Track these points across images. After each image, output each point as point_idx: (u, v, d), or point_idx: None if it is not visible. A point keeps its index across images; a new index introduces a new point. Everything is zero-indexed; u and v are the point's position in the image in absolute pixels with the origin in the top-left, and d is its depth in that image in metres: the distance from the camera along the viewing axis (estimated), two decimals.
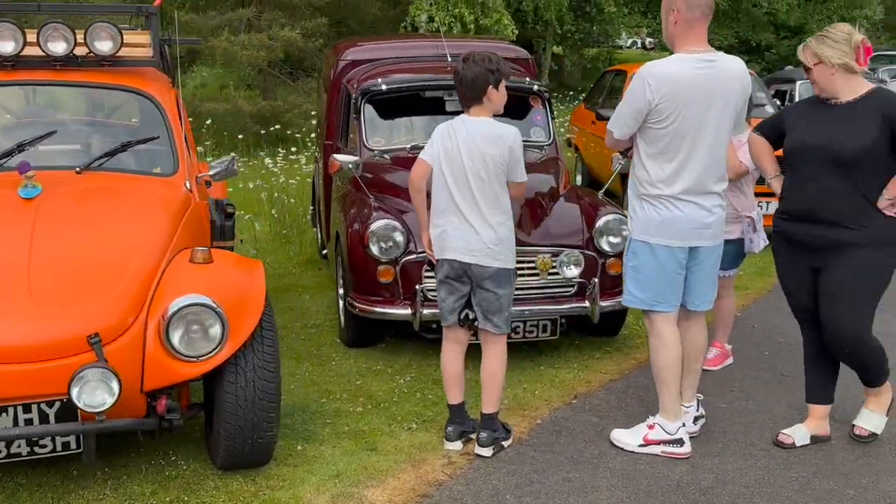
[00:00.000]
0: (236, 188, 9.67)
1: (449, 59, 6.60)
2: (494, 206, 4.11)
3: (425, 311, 5.14)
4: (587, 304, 5.35)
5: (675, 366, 4.19)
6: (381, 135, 6.41)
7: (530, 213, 5.44)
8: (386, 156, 6.21)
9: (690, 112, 3.92)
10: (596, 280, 5.34)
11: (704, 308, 4.29)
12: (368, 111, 6.43)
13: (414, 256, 5.23)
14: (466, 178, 4.07)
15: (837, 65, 3.89)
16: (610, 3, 22.92)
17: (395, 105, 6.52)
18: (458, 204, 4.10)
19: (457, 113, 6.42)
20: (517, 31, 16.91)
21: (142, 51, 4.79)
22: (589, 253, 5.39)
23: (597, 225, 5.41)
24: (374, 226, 5.27)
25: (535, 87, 6.51)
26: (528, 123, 6.52)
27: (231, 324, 3.66)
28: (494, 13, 16.08)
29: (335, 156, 5.80)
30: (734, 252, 5.06)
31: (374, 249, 5.25)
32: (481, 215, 4.09)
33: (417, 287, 5.17)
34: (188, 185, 4.49)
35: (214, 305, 3.61)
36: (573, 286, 5.37)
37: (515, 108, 6.13)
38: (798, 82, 13.61)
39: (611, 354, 5.68)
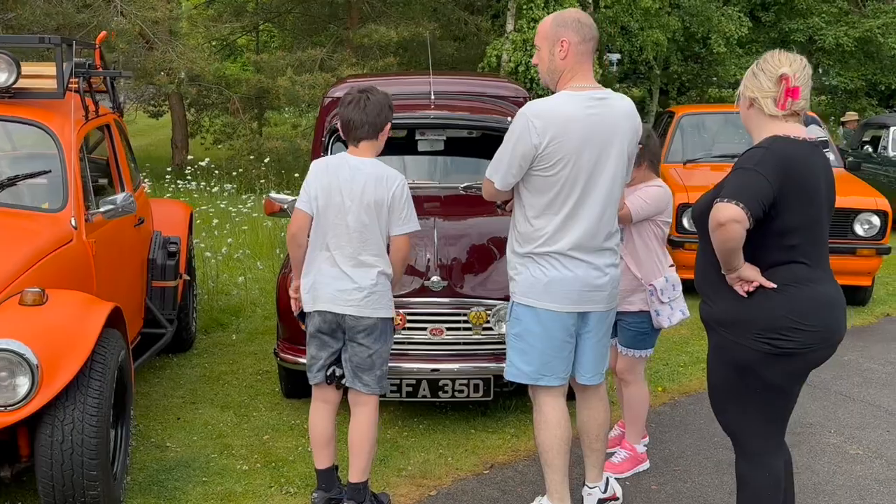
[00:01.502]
0: (260, 226, 9.63)
1: (432, 96, 6.30)
2: (374, 253, 3.76)
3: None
4: None
5: (560, 448, 3.68)
6: None
7: (469, 262, 5.05)
8: None
9: (583, 158, 3.46)
10: None
11: (594, 382, 3.78)
12: (338, 149, 6.19)
13: None
14: (346, 222, 3.73)
15: (750, 98, 3.27)
16: (719, 43, 22.04)
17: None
18: (331, 249, 3.77)
19: (429, 153, 6.33)
20: (602, 74, 16.37)
21: (46, 82, 4.69)
22: None
23: None
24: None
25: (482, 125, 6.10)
26: None
27: (46, 372, 3.43)
28: None
29: (271, 195, 5.56)
30: (638, 328, 4.31)
31: None
32: (358, 262, 3.74)
33: None
34: (74, 222, 4.33)
35: (23, 351, 3.39)
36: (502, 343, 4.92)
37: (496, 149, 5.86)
38: (892, 128, 12.60)
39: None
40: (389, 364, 4.75)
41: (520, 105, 6.85)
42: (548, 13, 15.51)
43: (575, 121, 3.43)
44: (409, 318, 4.82)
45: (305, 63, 14.39)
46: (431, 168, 6.30)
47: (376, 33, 14.14)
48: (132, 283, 5.22)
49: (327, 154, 6.18)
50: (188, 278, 5.95)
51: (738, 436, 3.29)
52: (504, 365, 4.78)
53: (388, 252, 3.83)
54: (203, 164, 11.26)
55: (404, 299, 4.82)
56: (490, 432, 4.93)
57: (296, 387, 5.40)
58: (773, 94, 3.10)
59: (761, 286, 3.04)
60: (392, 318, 3.89)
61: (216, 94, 15.53)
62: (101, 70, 5.44)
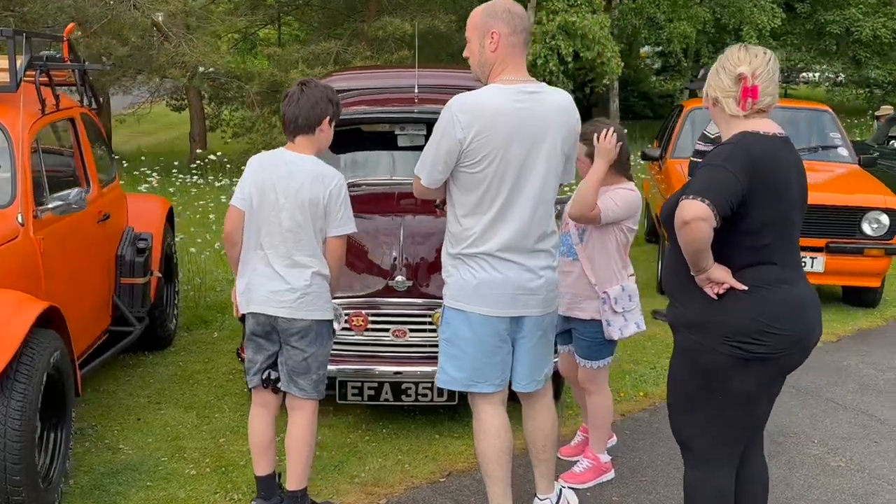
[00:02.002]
0: None
1: (416, 90, 6.14)
2: (308, 253, 3.62)
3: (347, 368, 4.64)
4: None
5: (499, 458, 3.51)
6: None
7: (436, 261, 4.85)
8: None
9: (511, 153, 3.29)
10: None
11: (529, 389, 3.61)
12: None
13: None
14: (279, 220, 3.60)
15: (712, 98, 3.06)
16: (751, 35, 21.60)
17: (349, 139, 6.14)
18: (265, 249, 3.64)
19: (408, 148, 6.16)
20: (623, 65, 16.10)
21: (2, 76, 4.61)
22: None
23: None
24: None
25: None
26: None
27: None
28: (597, 45, 15.37)
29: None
30: (591, 338, 4.11)
31: None
32: (291, 262, 3.61)
33: None
34: (21, 218, 4.24)
35: None
36: None
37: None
38: None
39: None
40: (351, 367, 4.66)
41: None
42: (567, 5, 15.36)
43: (502, 114, 3.26)
44: (371, 319, 4.68)
45: (320, 56, 14.29)
46: (411, 164, 6.13)
47: (391, 25, 14.00)
48: (95, 281, 5.14)
49: None
50: (159, 275, 5.85)
51: (692, 443, 3.13)
52: None
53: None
54: (214, 157, 11.19)
55: (367, 300, 4.69)
56: (455, 437, 4.78)
57: None
58: (735, 94, 2.94)
59: (731, 288, 2.90)
60: (330, 321, 3.75)
61: (236, 87, 15.50)
62: (67, 63, 5.36)
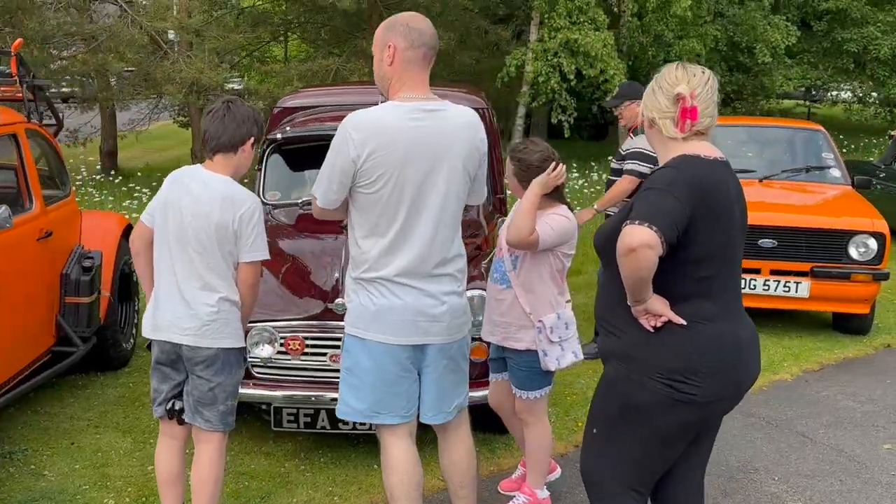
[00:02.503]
0: None
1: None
2: (217, 278, 3.47)
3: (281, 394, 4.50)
4: None
5: (407, 493, 3.34)
6: (280, 187, 5.92)
7: None
8: (277, 211, 5.74)
9: (408, 173, 3.15)
10: None
11: (438, 421, 3.44)
12: (272, 162, 5.98)
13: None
14: (187, 241, 3.46)
15: (649, 119, 2.88)
16: (765, 53, 21.30)
17: (303, 156, 6.01)
18: (175, 272, 3.50)
19: None
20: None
21: None
22: None
23: None
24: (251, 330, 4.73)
25: None
26: None
27: None
28: (599, 63, 15.18)
29: None
30: (528, 368, 3.90)
31: (256, 352, 4.67)
32: (198, 286, 3.47)
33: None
34: None
35: None
36: None
37: None
38: None
39: (496, 452, 4.81)
40: (286, 392, 4.49)
41: (483, 119, 6.53)
42: (569, 22, 15.19)
43: (397, 133, 3.13)
44: (307, 343, 4.52)
45: (318, 73, 14.21)
46: None
47: None
48: (32, 299, 5.01)
49: (263, 166, 5.95)
50: (107, 294, 5.72)
51: (601, 479, 2.97)
52: None
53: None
54: None
55: (305, 322, 4.54)
56: None
57: None
58: (672, 115, 2.79)
59: (669, 321, 2.74)
60: (240, 349, 3.59)
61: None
62: (13, 78, 5.28)
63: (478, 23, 16.20)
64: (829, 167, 8.46)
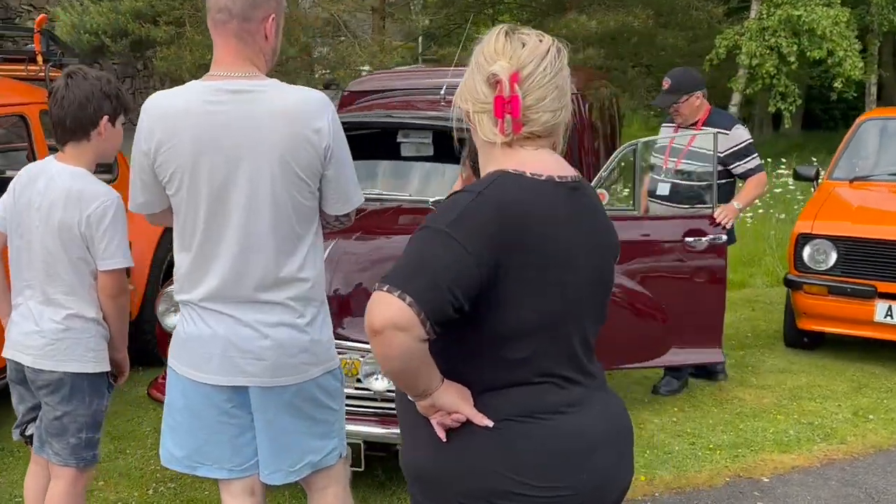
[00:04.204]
0: None
1: (442, 91, 5.43)
2: (64, 290, 3.08)
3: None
4: (397, 429, 3.90)
5: None
6: None
7: (358, 294, 4.15)
8: None
9: (201, 172, 2.55)
10: None
11: (276, 482, 2.80)
12: None
13: None
14: (30, 246, 3.10)
15: (465, 112, 2.02)
16: None
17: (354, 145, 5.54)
18: (26, 281, 3.14)
19: (413, 158, 5.41)
20: (863, 68, 14.02)
21: None
22: None
23: None
24: (163, 295, 4.40)
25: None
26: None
27: None
28: (827, 43, 13.51)
29: None
30: None
31: (167, 322, 4.36)
32: (46, 300, 3.10)
33: None
34: None
35: None
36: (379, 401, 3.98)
37: (443, 152, 5.08)
38: None
39: None
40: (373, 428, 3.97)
41: None
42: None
43: (187, 119, 2.54)
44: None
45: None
46: (409, 177, 5.40)
47: (575, 23, 13.07)
48: None
49: None
50: None
51: None
52: (381, 429, 3.95)
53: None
54: None
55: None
56: None
57: None
58: (490, 107, 1.94)
59: (469, 422, 1.92)
60: (99, 374, 3.16)
61: None
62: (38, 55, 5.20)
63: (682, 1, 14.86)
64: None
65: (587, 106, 5.88)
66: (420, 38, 17.49)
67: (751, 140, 5.56)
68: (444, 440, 1.93)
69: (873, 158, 7.42)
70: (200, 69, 14.01)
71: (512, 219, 1.85)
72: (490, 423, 1.89)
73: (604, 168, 5.23)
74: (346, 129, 5.47)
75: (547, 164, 1.95)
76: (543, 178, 1.91)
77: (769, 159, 14.49)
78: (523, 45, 1.92)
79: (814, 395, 5.65)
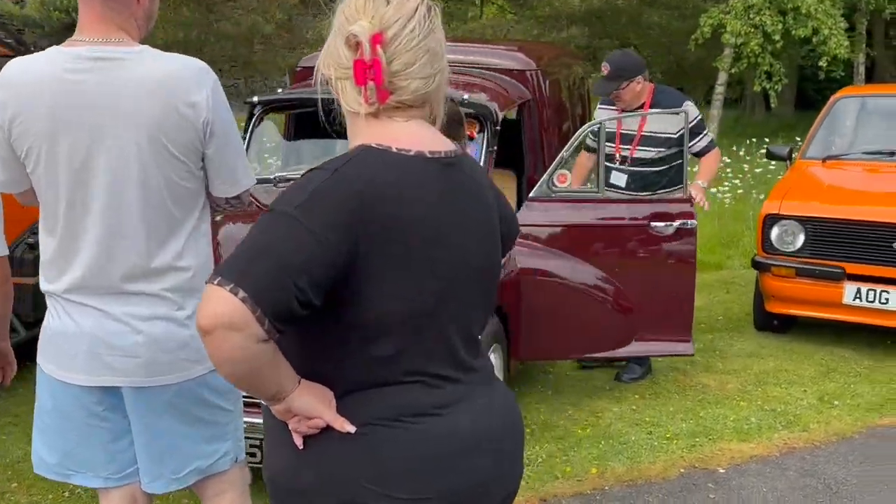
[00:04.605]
0: None
1: None
2: None
3: None
4: None
5: None
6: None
7: None
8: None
9: (60, 148, 2.33)
10: None
11: (159, 490, 2.60)
12: (259, 131, 5.33)
13: None
14: None
15: (326, 78, 1.78)
16: None
17: (299, 124, 5.41)
18: None
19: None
20: (849, 47, 13.81)
21: None
22: None
23: None
24: None
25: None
26: None
27: None
28: (813, 21, 13.30)
29: None
30: None
31: None
32: None
33: None
34: None
35: None
36: None
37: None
38: None
39: None
40: None
41: (525, 81, 5.60)
42: None
43: (43, 89, 2.31)
44: None
45: (475, 31, 13.48)
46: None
47: (558, 1, 12.87)
48: None
49: (248, 134, 5.33)
50: None
51: None
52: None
53: None
54: None
55: None
56: None
57: None
58: (353, 73, 1.71)
59: (330, 427, 1.72)
60: None
61: None
62: None
63: None
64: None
65: (548, 82, 5.68)
66: None
67: (700, 116, 5.39)
68: (302, 448, 1.74)
69: (849, 137, 7.25)
70: (173, 47, 13.89)
71: (372, 199, 1.64)
72: (352, 429, 1.70)
73: (565, 148, 5.05)
74: (296, 107, 5.37)
75: (417, 137, 1.74)
76: (412, 153, 1.71)
77: (757, 139, 14.35)
78: (387, 3, 1.72)
79: (780, 381, 5.51)
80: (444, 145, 1.79)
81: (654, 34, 14.22)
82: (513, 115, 5.51)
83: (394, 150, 1.70)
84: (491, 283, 1.90)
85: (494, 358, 4.46)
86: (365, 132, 1.73)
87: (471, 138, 4.98)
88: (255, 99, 5.17)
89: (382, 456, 1.71)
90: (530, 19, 13.97)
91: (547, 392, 5.28)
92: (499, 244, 1.93)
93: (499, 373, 4.53)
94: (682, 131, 5.02)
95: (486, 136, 4.93)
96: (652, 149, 5.22)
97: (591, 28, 13.05)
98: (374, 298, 1.67)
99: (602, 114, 5.53)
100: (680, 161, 5.09)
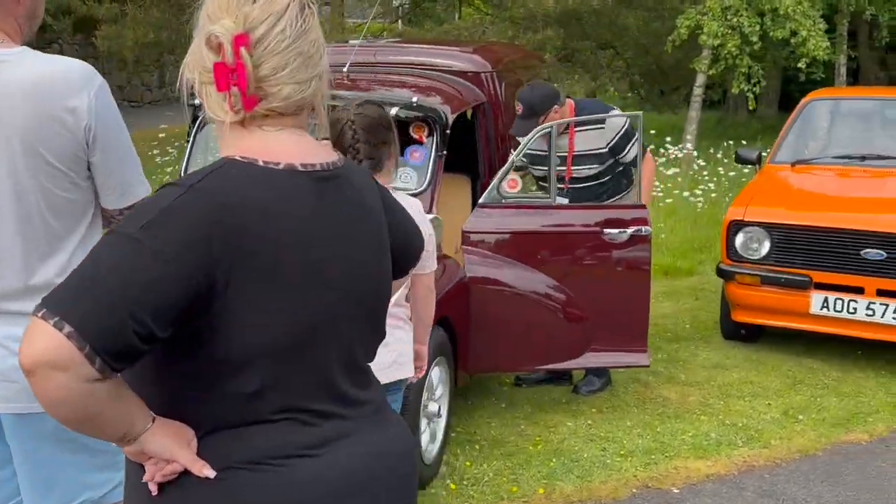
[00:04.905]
0: None
1: (345, 69, 5.03)
2: None
3: None
4: None
5: None
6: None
7: None
8: None
9: None
10: None
11: None
12: (202, 135, 5.11)
13: None
14: None
15: (190, 84, 1.58)
16: None
17: None
18: None
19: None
20: (829, 48, 13.64)
21: None
22: None
23: None
24: None
25: (397, 111, 4.56)
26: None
27: None
28: (792, 22, 13.13)
29: None
30: None
31: None
32: None
33: None
34: None
35: None
36: None
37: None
38: None
39: None
40: None
41: (480, 84, 5.40)
42: None
43: None
44: None
45: (450, 32, 13.29)
46: None
47: (532, 2, 12.69)
48: None
49: (191, 140, 5.12)
50: None
51: None
52: None
53: None
54: None
55: None
56: None
57: None
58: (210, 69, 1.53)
59: (187, 472, 1.53)
60: None
61: None
62: None
63: None
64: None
65: (504, 85, 5.48)
66: (400, 21, 17.14)
67: (628, 121, 5.10)
68: (155, 494, 1.54)
69: (820, 141, 7.08)
70: (143, 48, 13.65)
71: (232, 218, 1.44)
72: (211, 473, 1.50)
73: (515, 153, 4.86)
74: None
75: (289, 148, 1.55)
76: (280, 166, 1.52)
77: (737, 142, 14.18)
78: (254, 1, 1.53)
79: (743, 393, 5.32)
80: (320, 157, 1.60)
81: (631, 35, 14.02)
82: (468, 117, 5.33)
83: (260, 163, 1.52)
84: (379, 305, 1.71)
85: (438, 371, 4.26)
86: (231, 143, 1.56)
87: (419, 142, 4.81)
88: (198, 101, 4.94)
89: (243, 502, 1.51)
90: (505, 20, 13.80)
91: (500, 405, 5.08)
92: (388, 262, 1.74)
93: (444, 386, 4.34)
94: (611, 142, 4.91)
95: (434, 140, 4.74)
96: (585, 167, 5.04)
97: (568, 30, 12.86)
98: (235, 327, 1.48)
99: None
100: (620, 169, 4.94)
